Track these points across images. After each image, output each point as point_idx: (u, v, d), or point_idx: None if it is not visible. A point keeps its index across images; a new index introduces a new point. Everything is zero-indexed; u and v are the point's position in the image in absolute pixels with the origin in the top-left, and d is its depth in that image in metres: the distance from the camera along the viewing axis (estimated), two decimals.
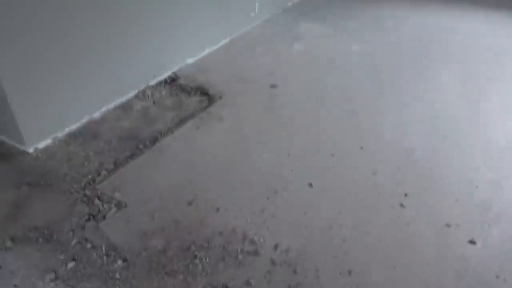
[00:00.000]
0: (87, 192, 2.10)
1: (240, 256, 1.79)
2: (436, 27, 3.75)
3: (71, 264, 1.75)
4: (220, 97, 2.84)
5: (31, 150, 2.41)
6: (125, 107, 2.78)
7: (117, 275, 1.71)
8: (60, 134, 2.52)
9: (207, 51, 3.39)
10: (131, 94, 2.87)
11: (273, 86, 2.96)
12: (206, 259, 1.77)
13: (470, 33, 3.63)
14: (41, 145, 2.44)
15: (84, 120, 2.63)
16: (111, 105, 2.76)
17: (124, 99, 2.83)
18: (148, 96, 2.87)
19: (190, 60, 3.26)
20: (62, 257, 1.79)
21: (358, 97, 2.83)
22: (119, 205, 2.03)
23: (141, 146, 2.42)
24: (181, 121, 2.63)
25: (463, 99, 2.78)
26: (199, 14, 3.20)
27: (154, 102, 2.81)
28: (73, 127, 2.58)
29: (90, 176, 2.21)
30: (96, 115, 2.68)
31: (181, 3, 3.01)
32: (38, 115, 2.39)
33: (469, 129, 2.51)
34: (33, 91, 2.32)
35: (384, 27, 3.77)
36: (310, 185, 2.14)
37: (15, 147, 2.43)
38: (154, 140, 2.47)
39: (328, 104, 2.77)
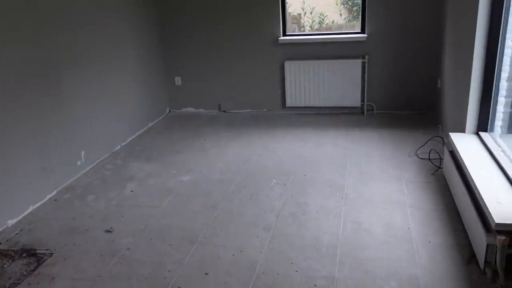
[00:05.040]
0: None
1: None
2: (253, 149, 4.24)
3: None
4: (50, 255, 2.63)
5: None
6: None
7: None
8: None
9: (31, 208, 3.18)
10: None
11: (108, 231, 2.88)
12: None
13: (282, 150, 4.19)
14: None
15: None
16: None
17: None
18: None
19: (10, 221, 2.99)
20: None
21: (196, 225, 2.92)
22: None
23: None
24: None
25: (289, 209, 3.10)
26: (18, 171, 3.05)
27: None
28: None
29: None
30: None
31: None
32: None
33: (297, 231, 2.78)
34: None
35: (209, 156, 4.11)
36: None
37: None
38: None
39: (167, 237, 2.78)
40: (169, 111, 5.58)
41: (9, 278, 2.43)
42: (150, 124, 5.08)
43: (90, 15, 3.89)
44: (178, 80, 5.48)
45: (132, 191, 3.46)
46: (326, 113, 5.21)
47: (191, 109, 5.57)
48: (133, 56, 4.67)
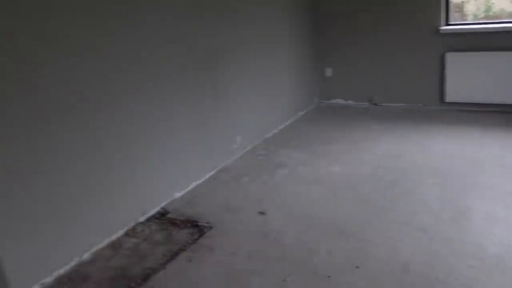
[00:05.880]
0: None
1: None
2: (407, 145, 4.02)
3: None
4: (210, 228, 2.87)
5: None
6: (114, 245, 2.75)
7: None
8: (49, 280, 2.44)
9: (193, 184, 3.51)
10: (121, 232, 2.87)
11: (261, 213, 3.02)
12: None
13: (439, 148, 3.89)
14: None
15: (73, 262, 2.58)
16: (100, 245, 2.74)
17: (113, 237, 2.82)
18: (137, 233, 2.87)
19: (177, 194, 3.34)
20: None
21: (346, 217, 2.89)
22: None
23: (132, 285, 2.35)
24: (173, 256, 2.60)
25: (448, 212, 2.87)
26: (183, 150, 3.39)
27: (144, 238, 2.81)
28: (62, 270, 2.51)
29: None
30: (86, 256, 2.64)
31: (165, 141, 3.21)
32: (25, 261, 2.34)
33: (461, 245, 2.56)
34: (22, 240, 2.32)
35: (359, 149, 4.02)
36: None
37: None
38: (146, 277, 2.41)
39: (316, 225, 2.81)
40: (319, 102, 5.61)
41: (176, 244, 2.72)
42: (300, 114, 5.18)
43: (246, 6, 4.08)
44: (329, 71, 5.47)
45: (283, 177, 3.57)
46: (493, 111, 4.66)
47: (340, 101, 5.52)
48: (285, 48, 4.80)
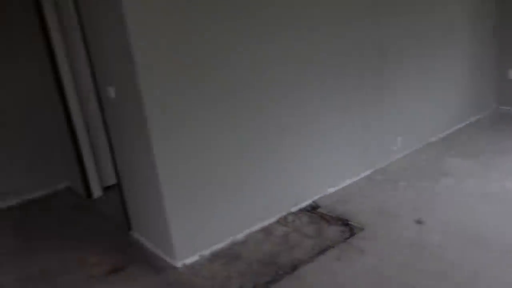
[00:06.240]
0: None
1: None
2: None
3: None
4: (362, 229, 2.76)
5: (179, 265, 2.56)
6: (266, 231, 2.85)
7: None
8: (206, 252, 2.65)
9: (347, 181, 3.43)
10: (273, 219, 2.96)
11: (418, 222, 2.80)
12: None
13: None
14: (188, 261, 2.59)
15: (228, 240, 2.75)
16: (253, 228, 2.87)
17: (265, 223, 2.93)
18: (288, 222, 2.93)
19: (330, 190, 3.31)
20: None
21: None
22: None
23: (280, 272, 2.40)
24: (321, 250, 2.58)
25: None
26: (340, 146, 3.32)
27: (294, 229, 2.85)
28: (218, 246, 2.71)
29: None
30: (239, 236, 2.80)
31: (322, 136, 3.18)
32: (190, 233, 2.58)
33: None
34: (189, 213, 2.56)
35: None
36: None
37: (166, 261, 2.62)
38: (294, 267, 2.44)
39: (484, 245, 2.48)
40: (497, 107, 4.95)
41: (326, 240, 2.69)
42: (472, 119, 4.64)
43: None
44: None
45: (446, 186, 3.24)
46: None
47: None
48: (461, 43, 4.31)
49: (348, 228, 2.80)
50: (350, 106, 3.33)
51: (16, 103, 3.59)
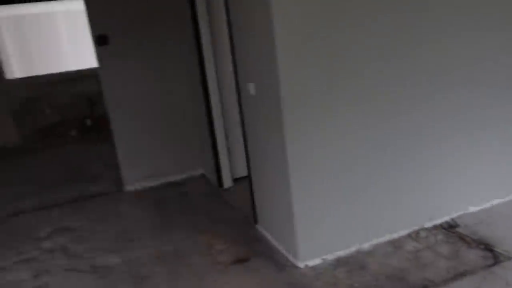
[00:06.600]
0: None
1: None
2: None
3: None
4: (510, 258, 2.43)
5: (301, 265, 2.54)
6: (395, 244, 2.68)
7: None
8: (330, 257, 2.59)
9: (493, 201, 3.04)
10: (403, 232, 2.77)
11: None
12: None
13: None
14: (311, 263, 2.56)
15: (353, 248, 2.65)
16: (381, 239, 2.71)
17: (394, 236, 2.75)
18: (421, 238, 2.71)
19: (472, 209, 2.97)
20: None
21: None
22: None
23: None
24: (457, 275, 2.33)
25: None
26: (487, 161, 2.96)
27: (427, 246, 2.62)
28: (342, 253, 2.62)
29: None
30: (365, 246, 2.67)
31: (468, 149, 2.87)
32: (315, 235, 2.55)
33: None
34: (317, 214, 2.52)
35: None
36: None
37: (289, 259, 2.62)
38: None
39: None
40: None
41: (464, 264, 2.43)
42: None
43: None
44: None
45: None
46: None
47: None
48: None
49: (492, 254, 2.48)
50: (505, 116, 2.95)
51: (169, 98, 3.94)
